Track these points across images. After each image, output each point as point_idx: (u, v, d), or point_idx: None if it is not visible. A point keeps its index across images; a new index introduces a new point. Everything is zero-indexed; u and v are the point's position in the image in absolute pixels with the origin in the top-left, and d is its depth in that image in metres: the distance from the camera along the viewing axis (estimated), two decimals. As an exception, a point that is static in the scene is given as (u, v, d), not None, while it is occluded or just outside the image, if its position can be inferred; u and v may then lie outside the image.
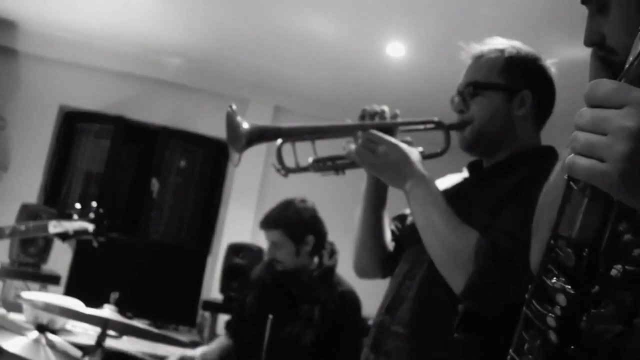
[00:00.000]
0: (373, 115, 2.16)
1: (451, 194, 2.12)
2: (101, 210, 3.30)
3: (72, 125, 7.54)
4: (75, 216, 3.25)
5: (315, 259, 3.74)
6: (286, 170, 2.29)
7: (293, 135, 2.18)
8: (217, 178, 7.82)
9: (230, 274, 5.89)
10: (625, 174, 0.81)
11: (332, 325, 3.53)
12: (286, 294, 3.69)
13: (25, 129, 6.98)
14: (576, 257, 0.93)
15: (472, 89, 2.12)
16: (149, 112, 7.51)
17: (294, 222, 3.69)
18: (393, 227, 2.40)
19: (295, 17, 5.74)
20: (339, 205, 4.92)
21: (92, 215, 3.28)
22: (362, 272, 2.45)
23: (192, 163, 8.02)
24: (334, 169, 2.23)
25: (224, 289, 5.89)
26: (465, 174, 2.32)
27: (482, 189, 2.14)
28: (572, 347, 0.94)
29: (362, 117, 2.17)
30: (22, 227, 3.29)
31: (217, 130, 7.57)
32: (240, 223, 7.26)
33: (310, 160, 2.23)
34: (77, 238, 3.25)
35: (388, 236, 2.37)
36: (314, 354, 3.51)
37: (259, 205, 7.23)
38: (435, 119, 2.22)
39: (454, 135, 2.20)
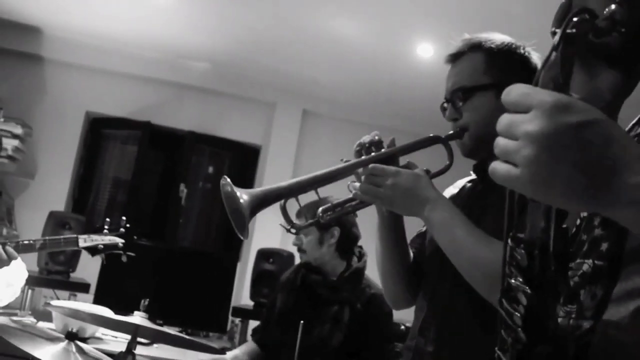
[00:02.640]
0: (369, 147, 2.09)
1: (464, 200, 2.13)
2: (128, 225, 3.32)
3: (99, 131, 7.53)
4: (106, 230, 3.27)
5: (344, 262, 3.75)
6: (296, 228, 2.23)
7: (293, 192, 2.10)
8: (245, 183, 7.76)
9: (260, 280, 5.84)
10: (535, 178, 0.83)
11: (361, 326, 3.54)
12: (315, 295, 3.69)
13: (52, 136, 6.97)
14: (528, 257, 0.97)
15: (460, 95, 2.08)
16: (176, 118, 7.48)
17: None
18: (414, 250, 2.35)
19: (323, 20, 5.68)
20: (367, 210, 4.85)
21: (122, 229, 3.29)
22: (396, 302, 2.41)
23: (220, 168, 7.96)
24: (344, 214, 2.20)
25: (254, 295, 5.84)
26: (474, 176, 2.28)
27: (494, 191, 2.06)
28: (541, 344, 0.98)
29: (359, 151, 2.10)
30: (53, 241, 3.28)
31: (244, 134, 7.62)
32: (269, 228, 7.15)
33: (319, 211, 2.17)
34: (106, 252, 3.26)
35: (410, 260, 2.33)
36: (343, 355, 3.51)
37: (288, 210, 7.15)
38: (431, 135, 2.15)
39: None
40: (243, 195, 1.98)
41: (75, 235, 3.26)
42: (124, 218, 3.38)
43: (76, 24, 6.64)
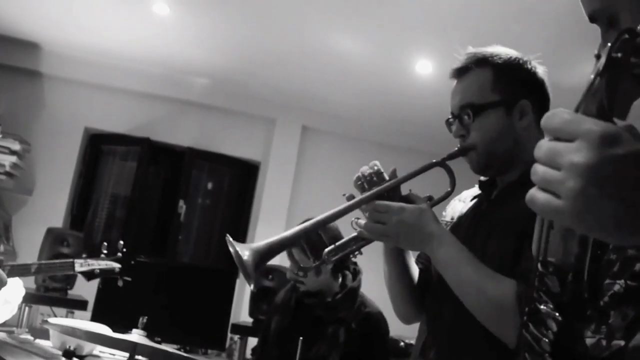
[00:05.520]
0: (370, 179, 2.09)
1: (470, 219, 2.12)
2: (125, 250, 3.31)
3: (98, 147, 7.52)
4: (103, 255, 3.25)
5: (339, 280, 3.70)
6: (304, 271, 2.24)
7: (298, 239, 2.13)
8: (245, 199, 7.76)
9: (259, 296, 5.80)
10: (578, 211, 0.80)
11: (358, 346, 3.51)
12: (311, 315, 3.67)
13: (50, 152, 6.96)
14: (560, 283, 0.97)
15: (470, 112, 2.05)
16: (175, 134, 7.48)
17: (312, 240, 3.62)
18: (420, 266, 2.35)
19: (323, 36, 5.68)
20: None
21: (119, 254, 3.27)
22: (406, 319, 2.40)
23: (220, 184, 7.95)
24: (349, 253, 2.18)
25: (253, 311, 5.80)
26: (479, 191, 2.27)
27: (500, 212, 2.06)
28: None
29: (361, 185, 2.10)
30: (48, 265, 3.25)
31: (244, 150, 7.61)
32: (268, 245, 7.16)
33: (324, 253, 2.17)
34: (102, 277, 3.24)
35: (417, 278, 2.33)
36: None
37: (288, 227, 7.12)
38: (434, 161, 2.12)
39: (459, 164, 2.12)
40: (245, 253, 1.99)
41: (71, 260, 3.23)
42: (121, 242, 3.36)
43: (75, 40, 6.64)
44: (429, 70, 5.97)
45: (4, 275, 2.92)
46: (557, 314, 0.95)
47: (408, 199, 2.04)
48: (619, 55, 0.86)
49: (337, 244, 2.17)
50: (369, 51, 5.88)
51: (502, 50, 2.11)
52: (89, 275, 3.21)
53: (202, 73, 7.17)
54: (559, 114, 0.86)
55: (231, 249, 2.01)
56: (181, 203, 7.46)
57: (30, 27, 6.50)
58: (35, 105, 7.03)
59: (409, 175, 2.09)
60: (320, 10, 5.24)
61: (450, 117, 2.13)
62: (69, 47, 6.82)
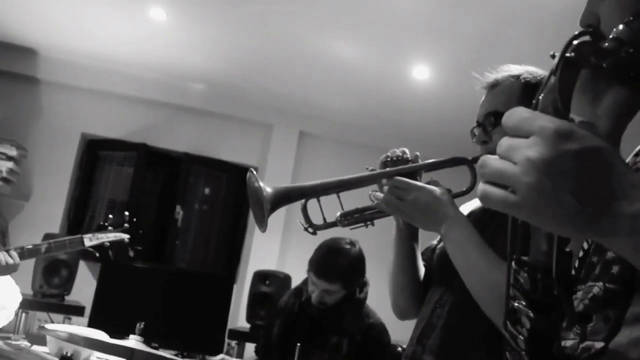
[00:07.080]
0: (395, 161, 2.14)
1: (480, 215, 2.15)
2: (135, 220, 3.33)
3: (95, 153, 7.51)
4: (110, 227, 3.27)
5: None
6: (314, 228, 2.24)
7: (317, 193, 2.14)
8: (242, 204, 7.74)
9: (256, 302, 5.82)
10: (534, 204, 0.82)
11: (359, 357, 3.52)
12: (314, 323, 3.66)
13: (47, 158, 6.94)
14: (531, 280, 0.96)
15: (492, 119, 2.10)
16: (173, 139, 7.47)
17: (351, 274, 3.61)
18: (424, 263, 2.38)
19: (320, 42, 5.68)
20: (370, 232, 4.82)
21: (126, 225, 3.30)
22: (402, 313, 2.43)
23: (217, 190, 7.95)
24: (362, 221, 2.21)
25: (250, 317, 5.80)
26: None
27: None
28: None
29: (385, 163, 2.15)
30: (58, 243, 3.27)
31: (241, 156, 7.60)
32: (266, 250, 7.16)
33: (338, 215, 2.19)
34: (113, 250, 3.27)
35: (422, 273, 2.35)
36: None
37: (285, 232, 7.14)
38: (458, 156, 2.19)
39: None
40: (266, 189, 2.02)
41: (79, 236, 3.26)
42: (126, 213, 3.38)
43: (72, 46, 6.64)
44: (425, 75, 5.98)
45: (17, 257, 2.93)
46: (529, 311, 0.97)
47: (428, 184, 2.07)
48: (573, 54, 0.89)
49: (352, 210, 2.19)
50: (367, 57, 5.88)
51: (536, 69, 2.15)
52: (100, 249, 3.24)
53: (199, 78, 7.17)
54: (517, 112, 0.88)
55: (253, 185, 2.05)
56: (178, 209, 7.45)
57: (27, 33, 6.50)
58: (32, 111, 7.03)
59: (433, 164, 2.16)
60: (318, 16, 5.24)
61: (474, 126, 2.17)
62: (66, 52, 6.82)
